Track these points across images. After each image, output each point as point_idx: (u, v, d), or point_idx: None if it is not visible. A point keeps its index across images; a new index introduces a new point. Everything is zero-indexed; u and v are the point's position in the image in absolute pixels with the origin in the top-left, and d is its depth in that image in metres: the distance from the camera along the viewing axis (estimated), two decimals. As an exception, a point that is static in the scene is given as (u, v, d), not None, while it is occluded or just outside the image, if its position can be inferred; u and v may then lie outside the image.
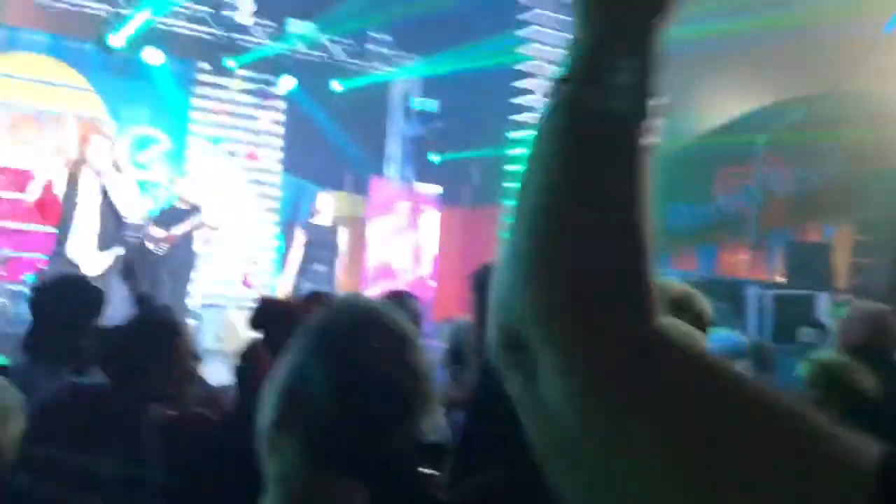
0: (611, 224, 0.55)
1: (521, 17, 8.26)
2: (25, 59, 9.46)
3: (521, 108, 8.57)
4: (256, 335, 2.62)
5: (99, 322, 2.99)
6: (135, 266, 7.08)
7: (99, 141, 5.90)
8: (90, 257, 5.83)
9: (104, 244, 5.90)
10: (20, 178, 9.28)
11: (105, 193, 5.90)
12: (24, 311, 7.86)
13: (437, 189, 10.84)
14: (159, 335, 2.21)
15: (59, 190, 6.04)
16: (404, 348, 1.06)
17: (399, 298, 3.95)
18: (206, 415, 2.21)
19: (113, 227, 5.96)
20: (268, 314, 2.31)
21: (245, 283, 10.45)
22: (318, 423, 1.00)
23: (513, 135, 8.67)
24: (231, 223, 10.20)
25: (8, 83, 9.36)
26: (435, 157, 10.72)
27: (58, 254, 5.88)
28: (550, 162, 0.57)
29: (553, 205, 0.56)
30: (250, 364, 2.60)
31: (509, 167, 8.88)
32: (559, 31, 7.89)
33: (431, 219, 10.60)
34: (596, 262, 0.54)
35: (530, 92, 8.47)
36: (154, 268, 7.94)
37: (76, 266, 5.78)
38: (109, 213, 5.93)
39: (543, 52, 8.30)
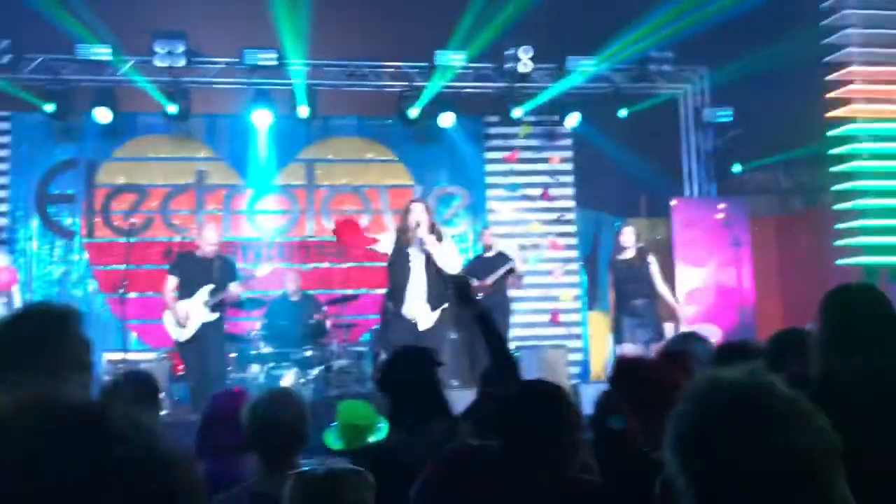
0: None
1: (826, 4, 7.55)
2: (340, 143, 10.59)
3: (837, 103, 7.79)
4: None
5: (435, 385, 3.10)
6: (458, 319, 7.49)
7: (416, 208, 6.33)
8: (424, 316, 6.26)
9: (434, 302, 6.30)
10: (347, 251, 10.35)
11: (428, 256, 6.31)
12: (368, 369, 8.67)
13: (743, 201, 10.20)
14: (546, 404, 2.23)
15: (387, 256, 6.66)
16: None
17: (692, 340, 3.66)
18: (590, 480, 2.19)
19: (439, 285, 6.33)
20: (623, 373, 2.25)
21: (554, 321, 10.59)
22: None
23: (832, 132, 7.88)
24: (534, 264, 10.45)
25: (330, 168, 10.53)
26: (736, 168, 10.10)
27: (395, 314, 6.41)
28: None
29: None
30: (605, 414, 2.58)
31: (833, 167, 8.07)
32: (874, 11, 7.10)
33: (741, 233, 9.96)
34: None
35: (848, 83, 7.68)
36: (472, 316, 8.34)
37: (414, 324, 6.25)
38: (434, 273, 6.32)
39: (856, 37, 7.50)
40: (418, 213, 6.31)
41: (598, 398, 2.81)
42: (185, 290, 7.17)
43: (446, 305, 6.47)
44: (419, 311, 6.33)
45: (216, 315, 7.14)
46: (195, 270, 7.20)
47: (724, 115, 10.01)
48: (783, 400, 1.02)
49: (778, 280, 11.22)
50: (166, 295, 7.24)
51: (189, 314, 7.05)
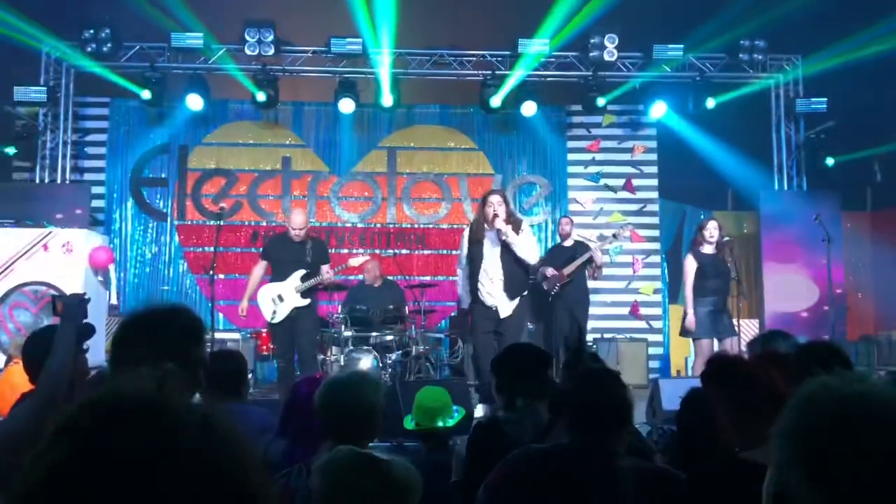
0: None
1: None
2: (422, 131, 10.68)
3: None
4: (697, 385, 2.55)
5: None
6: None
7: (494, 199, 6.34)
8: (503, 305, 6.29)
9: (511, 291, 6.32)
10: (427, 238, 10.44)
11: (505, 246, 6.33)
12: (445, 355, 8.75)
13: (834, 195, 9.83)
14: (615, 393, 2.24)
15: (463, 243, 6.69)
16: None
17: (777, 338, 3.54)
18: (675, 473, 2.18)
19: (517, 274, 6.36)
20: (720, 371, 2.21)
21: (634, 314, 10.45)
22: None
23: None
24: (614, 255, 10.33)
25: (412, 155, 10.64)
26: (829, 161, 9.73)
27: (475, 301, 6.43)
28: None
29: None
30: (693, 413, 2.55)
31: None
32: None
33: (831, 227, 9.61)
34: None
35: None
36: (551, 307, 8.33)
37: (495, 310, 6.29)
38: (512, 261, 6.35)
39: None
40: (496, 204, 6.32)
41: (686, 395, 2.78)
42: (278, 273, 7.31)
43: (525, 294, 6.49)
44: (498, 299, 6.36)
45: (307, 301, 7.24)
46: (286, 253, 7.32)
47: (818, 105, 9.64)
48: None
49: (870, 277, 10.79)
50: (253, 279, 7.41)
51: (283, 295, 7.19)
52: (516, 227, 6.37)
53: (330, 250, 9.47)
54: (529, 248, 6.39)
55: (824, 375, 1.07)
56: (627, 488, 2.03)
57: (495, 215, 6.26)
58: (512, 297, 6.37)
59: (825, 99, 9.64)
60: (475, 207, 10.50)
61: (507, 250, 6.34)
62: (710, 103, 9.62)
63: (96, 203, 10.05)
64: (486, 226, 6.37)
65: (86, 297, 2.54)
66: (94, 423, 0.74)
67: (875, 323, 10.35)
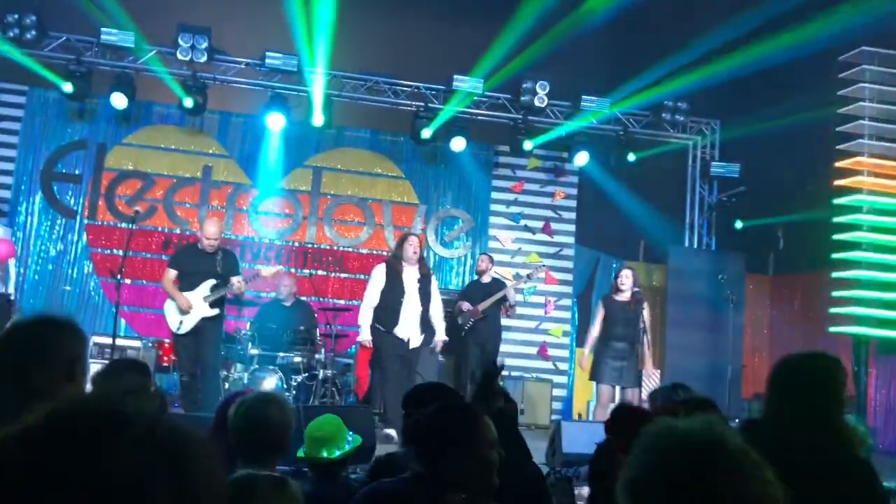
0: None
1: (844, 75, 7.66)
2: (350, 153, 10.66)
3: (844, 172, 7.88)
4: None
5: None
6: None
7: (414, 241, 6.87)
8: (415, 336, 6.67)
9: (424, 323, 6.77)
10: (345, 261, 10.38)
11: (420, 282, 7.03)
12: (352, 381, 8.66)
13: (740, 257, 10.28)
14: (458, 419, 2.25)
15: (380, 277, 7.12)
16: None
17: (678, 390, 3.67)
18: None
19: (426, 308, 6.97)
20: (622, 421, 2.25)
21: (542, 354, 10.61)
22: None
23: (838, 200, 7.96)
24: (528, 296, 10.50)
25: (338, 177, 10.60)
26: (738, 224, 10.18)
27: (387, 333, 6.70)
28: None
29: None
30: (603, 466, 2.60)
31: (835, 235, 8.14)
32: (888, 87, 7.21)
33: (736, 287, 10.03)
34: None
35: (858, 154, 7.78)
36: (464, 341, 8.38)
37: (406, 342, 6.92)
38: (426, 297, 7.04)
39: (870, 109, 7.62)
40: (416, 245, 7.12)
41: (598, 448, 2.82)
42: (186, 283, 7.16)
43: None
44: (412, 331, 6.90)
45: (216, 311, 7.12)
46: (196, 263, 7.19)
47: (731, 171, 10.11)
48: (735, 451, 1.04)
49: (768, 338, 11.28)
50: (167, 286, 7.24)
51: (192, 306, 7.05)
52: (427, 270, 7.30)
53: (244, 265, 9.36)
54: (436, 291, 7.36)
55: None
56: None
57: (416, 254, 7.08)
58: (423, 330, 7.02)
59: (738, 165, 10.11)
60: (397, 234, 10.53)
61: (423, 286, 7.06)
62: (631, 157, 9.96)
63: (2, 194, 9.61)
64: (403, 264, 6.99)
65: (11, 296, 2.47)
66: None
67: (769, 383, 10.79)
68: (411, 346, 6.93)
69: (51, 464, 0.73)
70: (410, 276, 7.01)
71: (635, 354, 7.70)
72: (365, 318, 7.15)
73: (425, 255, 7.65)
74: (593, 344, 7.64)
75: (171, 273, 7.26)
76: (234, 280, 7.19)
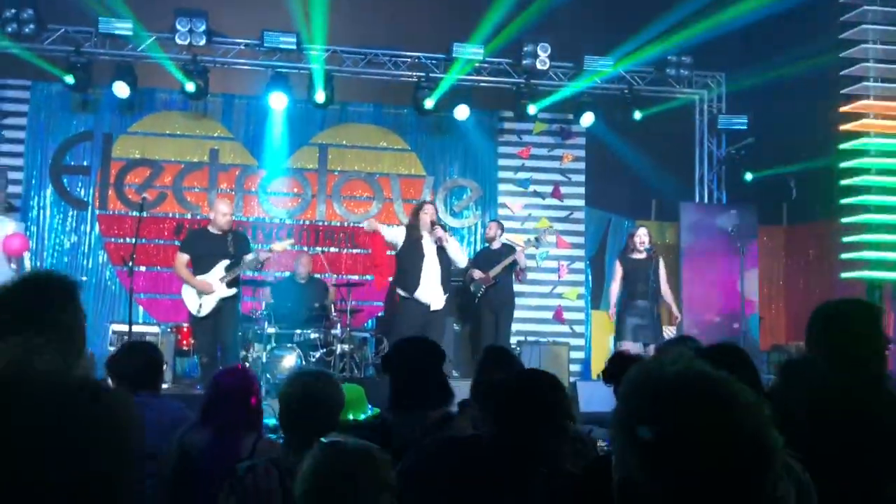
0: None
1: (846, 17, 7.54)
2: (355, 129, 10.64)
3: (850, 116, 7.78)
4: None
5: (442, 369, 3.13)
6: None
7: (430, 209, 6.98)
8: (437, 298, 7.16)
9: (445, 286, 7.27)
10: (356, 236, 10.42)
11: (440, 247, 7.20)
12: (370, 355, 8.74)
13: (752, 209, 10.21)
14: (545, 392, 2.20)
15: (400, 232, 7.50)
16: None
17: (687, 342, 3.65)
18: (574, 472, 2.18)
19: (448, 272, 7.28)
20: (620, 368, 2.25)
21: (558, 318, 10.63)
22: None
23: (844, 145, 7.87)
24: (540, 261, 10.50)
25: (343, 153, 10.60)
26: (748, 176, 10.10)
27: (407, 298, 6.81)
28: None
29: None
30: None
31: (843, 180, 8.06)
32: (891, 27, 7.09)
33: (749, 241, 9.98)
34: None
35: (863, 97, 7.68)
36: (477, 308, 8.42)
37: (427, 306, 7.16)
38: (446, 260, 7.27)
39: (873, 52, 7.50)
40: (432, 214, 7.29)
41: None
42: (199, 267, 7.25)
43: (480, 282, 7.75)
44: (433, 293, 7.15)
45: (234, 290, 7.26)
46: (208, 246, 7.28)
47: (739, 122, 10.00)
48: (717, 380, 1.05)
49: (783, 289, 11.24)
50: (181, 271, 7.32)
51: (212, 287, 7.16)
52: (443, 234, 7.39)
53: (256, 246, 9.43)
54: (460, 253, 7.57)
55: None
56: (536, 489, 2.04)
57: (433, 222, 7.24)
58: (445, 292, 7.25)
59: (746, 117, 10.00)
60: (407, 208, 10.56)
61: (441, 250, 7.27)
62: (637, 115, 9.87)
63: (13, 189, 9.69)
64: (422, 231, 7.19)
65: None
66: None
67: (786, 333, 10.78)
68: (433, 308, 7.16)
69: None
70: (429, 242, 7.26)
71: (655, 311, 7.78)
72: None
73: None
74: (617, 301, 7.80)
75: (183, 257, 7.33)
76: (249, 255, 7.29)
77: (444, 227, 7.43)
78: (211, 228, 7.41)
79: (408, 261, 7.26)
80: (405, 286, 7.21)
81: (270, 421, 3.81)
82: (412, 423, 2.79)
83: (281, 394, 2.66)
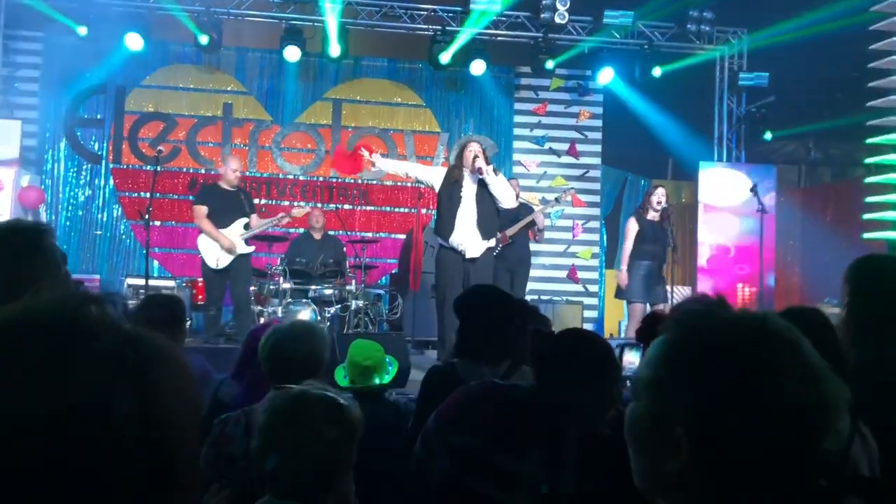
0: None
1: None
2: (369, 84, 10.52)
3: (879, 73, 7.59)
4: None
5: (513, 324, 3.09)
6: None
7: (475, 147, 6.37)
8: (474, 244, 6.36)
9: (483, 231, 6.39)
10: (370, 193, 10.36)
11: (481, 187, 6.38)
12: (384, 311, 8.75)
13: (771, 169, 10.08)
14: (591, 351, 2.18)
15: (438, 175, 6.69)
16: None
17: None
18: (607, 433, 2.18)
19: (490, 215, 6.44)
20: (652, 328, 2.21)
21: (572, 277, 10.61)
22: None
23: (872, 103, 7.69)
24: (555, 219, 10.44)
25: (357, 109, 10.49)
26: (767, 135, 9.95)
27: (442, 246, 6.46)
28: None
29: None
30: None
31: (869, 139, 7.90)
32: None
33: (767, 201, 9.88)
34: None
35: (892, 53, 7.48)
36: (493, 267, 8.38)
37: (462, 252, 6.36)
38: (487, 203, 6.42)
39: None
40: (476, 150, 6.38)
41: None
42: (217, 222, 7.30)
43: (493, 243, 6.58)
44: (469, 239, 6.37)
45: (252, 248, 7.37)
46: (224, 202, 7.32)
47: (760, 80, 9.81)
48: (779, 326, 1.00)
49: (801, 251, 11.15)
50: (203, 224, 7.32)
51: (234, 245, 7.24)
52: (494, 171, 6.48)
53: (271, 202, 9.44)
54: (507, 190, 6.51)
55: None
56: (568, 448, 2.04)
57: (476, 156, 6.32)
58: (484, 237, 6.42)
59: (767, 74, 9.81)
60: (421, 165, 10.48)
61: (483, 192, 6.42)
62: (657, 72, 9.70)
63: (28, 142, 9.64)
64: (463, 170, 6.40)
65: None
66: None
67: (801, 296, 10.72)
68: (468, 255, 6.37)
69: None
70: (469, 183, 6.44)
71: (664, 271, 7.73)
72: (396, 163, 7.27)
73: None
74: (628, 260, 7.69)
75: (203, 209, 7.35)
76: (254, 217, 7.39)
77: (490, 164, 6.45)
78: (222, 184, 7.45)
79: (444, 204, 6.50)
80: (440, 232, 6.52)
81: None
82: (476, 370, 2.77)
83: (259, 347, 2.66)
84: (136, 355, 0.70)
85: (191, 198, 9.80)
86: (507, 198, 6.50)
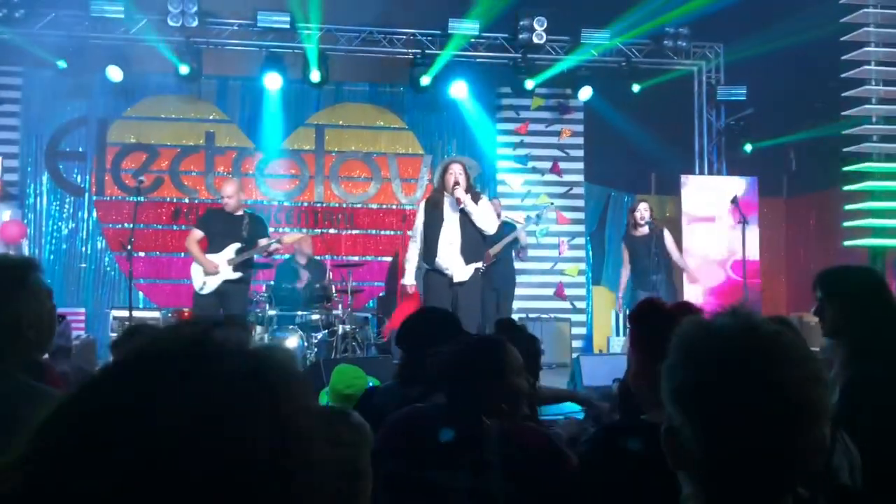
0: None
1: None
2: (351, 109, 10.57)
3: (851, 83, 7.69)
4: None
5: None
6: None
7: (455, 168, 6.28)
8: (458, 268, 6.23)
9: (467, 255, 6.26)
10: (355, 217, 10.37)
11: (464, 213, 6.26)
12: (372, 335, 8.73)
13: (752, 181, 10.15)
14: (486, 351, 2.31)
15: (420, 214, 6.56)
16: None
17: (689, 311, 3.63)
18: (535, 427, 2.28)
19: (474, 239, 6.31)
20: (642, 310, 2.24)
21: (559, 294, 10.62)
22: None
23: (847, 112, 7.78)
24: (541, 237, 10.46)
25: (340, 134, 10.52)
26: (747, 147, 10.04)
27: (428, 269, 6.36)
28: None
29: None
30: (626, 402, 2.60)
31: (845, 148, 7.99)
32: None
33: (749, 212, 9.94)
34: None
35: (864, 63, 7.58)
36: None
37: (449, 278, 6.23)
38: (470, 227, 6.29)
39: (874, 16, 7.41)
40: (456, 173, 6.27)
41: (620, 385, 2.85)
42: (212, 246, 7.25)
43: (480, 265, 6.43)
44: (453, 263, 6.26)
45: (239, 274, 7.21)
46: (222, 227, 7.26)
47: (738, 93, 9.92)
48: (770, 337, 1.04)
49: (784, 260, 11.22)
50: (191, 246, 7.29)
51: (218, 268, 7.14)
52: (475, 197, 6.34)
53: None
54: (487, 217, 6.35)
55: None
56: (492, 448, 2.10)
57: (456, 183, 6.21)
58: (468, 262, 6.30)
59: (745, 87, 9.92)
60: (405, 188, 10.52)
61: (465, 217, 6.31)
62: (636, 88, 9.79)
63: (9, 177, 9.62)
64: (445, 193, 6.29)
65: None
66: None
67: (787, 305, 10.77)
68: (455, 279, 6.24)
69: (136, 399, 0.64)
70: (451, 206, 6.33)
71: (666, 282, 7.77)
72: (408, 259, 6.68)
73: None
74: (626, 284, 7.77)
75: (196, 234, 7.32)
76: (262, 241, 7.29)
77: (474, 190, 6.35)
78: (226, 209, 7.40)
79: (427, 227, 6.41)
80: (425, 256, 6.41)
81: None
82: (397, 397, 2.82)
83: None
84: (271, 373, 0.71)
85: (174, 227, 9.80)
86: (488, 225, 6.37)
